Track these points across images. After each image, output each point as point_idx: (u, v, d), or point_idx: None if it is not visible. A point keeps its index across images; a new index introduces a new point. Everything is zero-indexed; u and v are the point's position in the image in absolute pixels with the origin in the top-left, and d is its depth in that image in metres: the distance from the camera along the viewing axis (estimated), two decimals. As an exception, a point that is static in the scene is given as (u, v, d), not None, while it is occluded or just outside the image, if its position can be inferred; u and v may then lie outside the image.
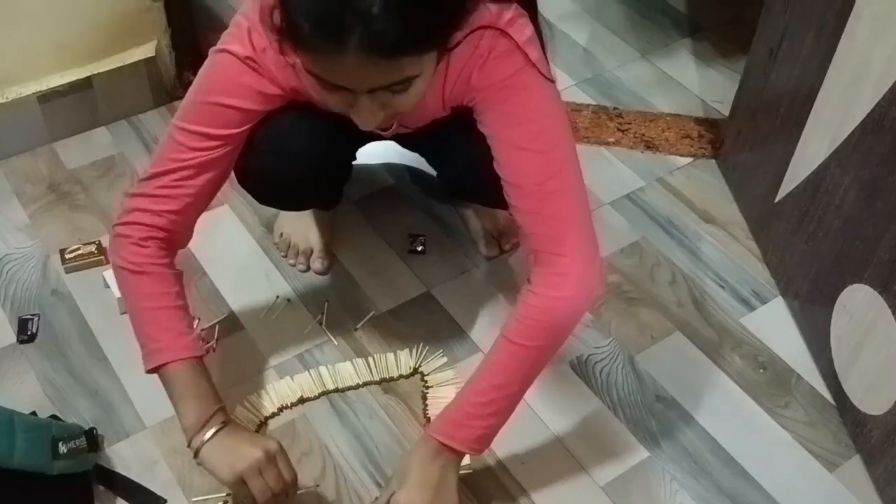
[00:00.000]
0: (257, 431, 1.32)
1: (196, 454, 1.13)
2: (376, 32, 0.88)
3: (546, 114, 1.14)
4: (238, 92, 1.14)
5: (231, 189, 1.34)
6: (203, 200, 1.20)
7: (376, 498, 1.22)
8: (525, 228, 1.15)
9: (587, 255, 1.13)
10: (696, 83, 1.99)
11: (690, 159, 1.80)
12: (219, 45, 1.15)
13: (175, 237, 1.19)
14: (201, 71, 1.17)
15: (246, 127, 1.17)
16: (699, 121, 1.88)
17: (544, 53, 1.16)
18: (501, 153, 1.15)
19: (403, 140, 1.49)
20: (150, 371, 1.17)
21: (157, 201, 1.16)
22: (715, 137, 1.83)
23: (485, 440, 1.17)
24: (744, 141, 1.68)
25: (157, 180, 1.16)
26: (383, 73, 0.94)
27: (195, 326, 1.19)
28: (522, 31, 1.11)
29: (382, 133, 1.28)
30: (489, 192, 1.18)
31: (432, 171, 1.68)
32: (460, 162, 1.32)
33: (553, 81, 1.15)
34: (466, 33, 1.05)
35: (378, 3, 0.87)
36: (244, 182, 1.22)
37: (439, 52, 1.00)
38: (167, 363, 1.15)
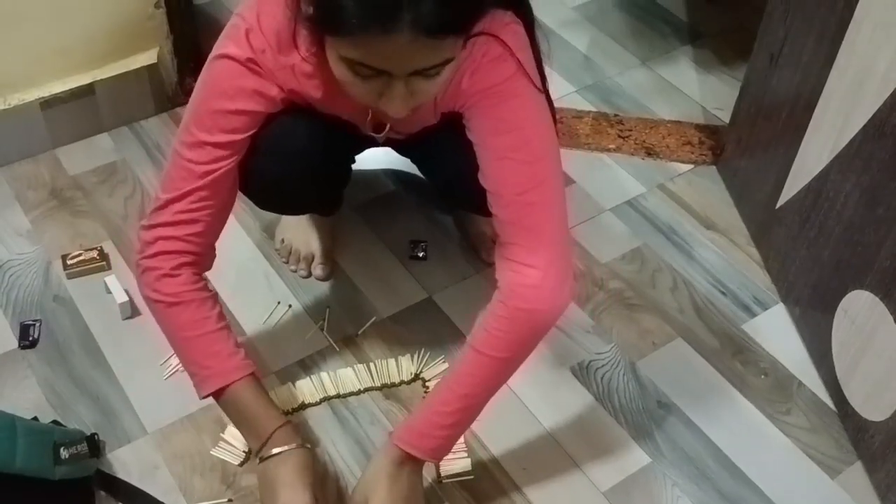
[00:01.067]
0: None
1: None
2: (427, 12, 0.91)
3: (534, 123, 1.14)
4: (240, 95, 1.13)
5: (233, 195, 1.34)
6: (224, 214, 1.20)
7: None
8: (501, 237, 1.14)
9: (560, 270, 1.12)
10: (696, 90, 1.99)
11: (691, 166, 1.80)
12: (216, 52, 1.13)
13: (202, 258, 1.19)
14: (200, 80, 1.16)
15: (252, 132, 1.16)
16: (700, 127, 1.88)
17: (540, 65, 1.16)
18: (486, 161, 1.14)
19: (396, 146, 1.48)
20: (203, 397, 1.19)
21: (180, 227, 1.15)
22: (716, 144, 1.83)
23: (446, 449, 1.18)
24: (744, 147, 1.69)
25: (173, 206, 1.14)
26: (428, 54, 0.97)
27: (241, 346, 1.19)
28: (516, 37, 1.12)
29: (376, 137, 1.27)
30: (478, 200, 1.17)
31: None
32: (450, 170, 1.31)
33: (543, 92, 1.15)
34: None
35: None
36: (244, 186, 1.23)
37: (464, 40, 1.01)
38: (222, 389, 1.16)
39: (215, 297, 1.20)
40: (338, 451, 1.31)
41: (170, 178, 1.16)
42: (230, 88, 1.13)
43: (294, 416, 1.35)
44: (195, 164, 1.13)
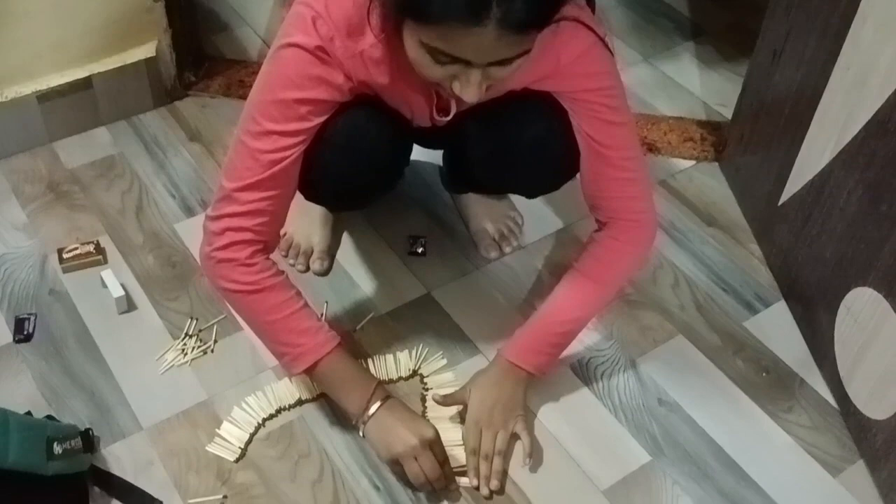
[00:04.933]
0: (255, 433, 1.30)
1: (363, 434, 1.23)
2: (518, 9, 0.93)
3: (622, 87, 1.24)
4: (309, 84, 1.13)
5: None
6: (288, 202, 1.22)
7: (449, 394, 1.31)
8: (607, 192, 1.28)
9: (655, 212, 1.31)
10: (698, 86, 1.98)
11: (693, 162, 1.79)
12: (281, 41, 1.12)
13: (271, 244, 1.22)
14: (266, 70, 1.15)
15: (321, 119, 1.16)
16: (702, 124, 1.87)
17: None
18: (599, 128, 1.23)
19: (433, 136, 1.43)
20: (296, 374, 1.25)
21: (247, 217, 1.16)
22: (718, 140, 1.82)
23: (550, 365, 1.33)
24: (747, 144, 1.67)
25: (241, 195, 1.15)
26: (511, 48, 0.99)
27: (321, 318, 1.27)
28: (594, 22, 1.18)
29: (441, 120, 1.27)
30: (550, 165, 1.30)
31: (434, 176, 1.68)
32: (498, 138, 1.30)
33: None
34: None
35: None
36: (305, 177, 1.21)
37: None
38: (316, 363, 1.20)
39: (288, 277, 1.23)
40: (334, 447, 1.30)
41: (234, 167, 1.16)
42: (298, 77, 1.13)
43: (291, 412, 1.34)
44: (262, 154, 1.14)
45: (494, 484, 1.24)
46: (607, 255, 1.31)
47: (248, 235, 1.17)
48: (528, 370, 1.30)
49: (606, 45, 1.19)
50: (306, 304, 1.23)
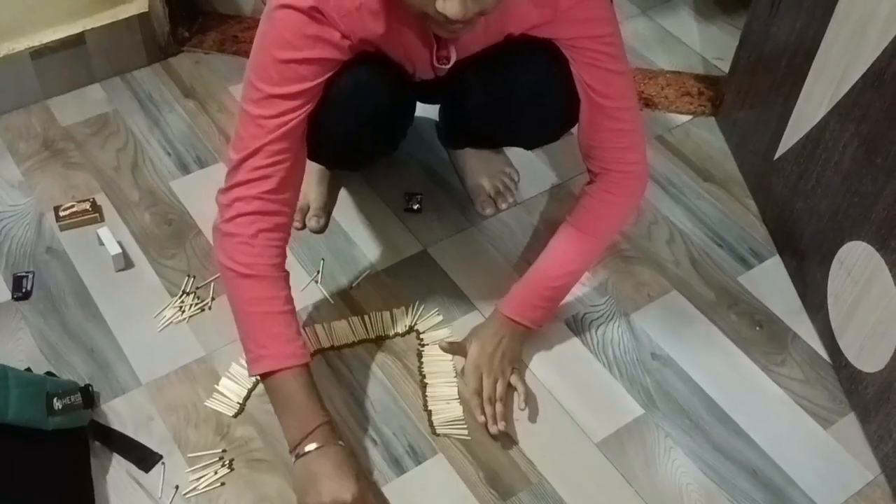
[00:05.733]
0: (253, 389, 1.32)
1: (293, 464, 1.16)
2: None
3: (620, 36, 1.23)
4: (306, 44, 1.12)
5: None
6: (298, 168, 1.19)
7: (452, 341, 1.35)
8: (604, 142, 1.28)
9: (646, 163, 1.33)
10: (696, 40, 1.96)
11: (690, 117, 1.78)
12: (275, 2, 1.11)
13: (282, 219, 1.18)
14: (260, 33, 1.14)
15: (322, 79, 1.15)
16: (699, 78, 1.86)
17: None
18: (597, 76, 1.23)
19: (434, 88, 1.40)
20: (252, 376, 1.20)
21: (254, 185, 1.14)
22: (715, 94, 1.81)
23: (546, 319, 1.36)
24: (744, 98, 1.66)
25: (246, 164, 1.14)
26: None
27: (301, 334, 1.19)
28: None
29: (441, 68, 1.25)
30: (550, 112, 1.30)
31: (430, 132, 1.67)
32: (500, 86, 1.29)
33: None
34: None
35: None
36: (309, 136, 1.19)
37: None
38: (272, 372, 1.15)
39: (287, 278, 1.20)
40: (332, 403, 1.31)
41: (239, 137, 1.15)
42: (294, 38, 1.11)
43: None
44: (265, 119, 1.12)
45: (502, 425, 1.25)
46: (599, 208, 1.33)
47: (256, 205, 1.15)
48: (525, 324, 1.33)
49: None
50: (292, 312, 1.19)
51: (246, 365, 1.21)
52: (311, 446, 1.13)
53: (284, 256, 1.20)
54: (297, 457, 1.14)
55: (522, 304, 1.33)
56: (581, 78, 1.24)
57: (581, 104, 1.27)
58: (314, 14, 1.11)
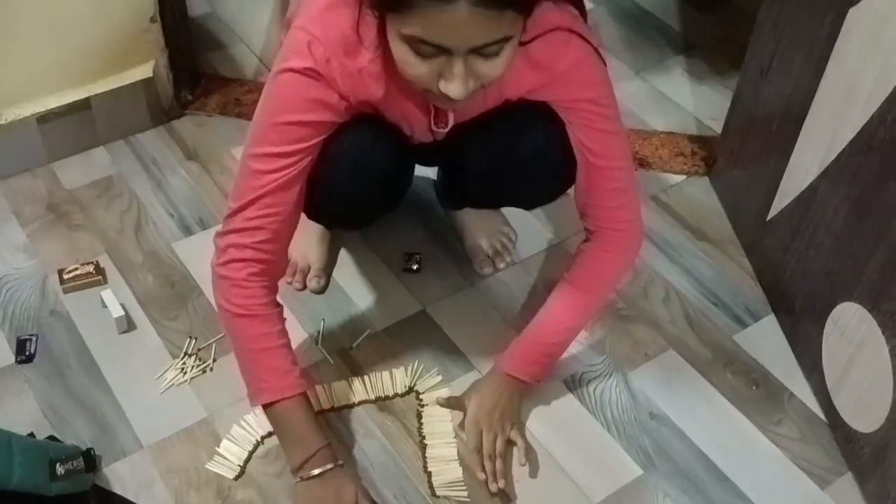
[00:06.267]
0: (254, 451, 1.32)
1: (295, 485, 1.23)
2: None
3: (614, 97, 1.26)
4: (306, 107, 1.16)
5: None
6: (291, 221, 1.23)
7: (451, 397, 1.37)
8: (599, 201, 1.31)
9: (641, 221, 1.36)
10: (689, 100, 2.00)
11: (684, 177, 1.81)
12: (279, 66, 1.16)
13: (272, 266, 1.23)
14: (265, 93, 1.19)
15: (319, 139, 1.19)
16: (693, 138, 1.89)
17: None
18: (593, 137, 1.26)
19: (433, 151, 1.43)
20: (253, 405, 1.27)
21: (248, 234, 1.19)
22: (708, 155, 1.84)
23: (546, 374, 1.38)
24: (736, 158, 1.70)
25: (242, 213, 1.19)
26: (487, 27, 1.00)
27: (297, 364, 1.26)
28: (588, 32, 1.20)
29: (439, 132, 1.30)
30: (549, 174, 1.33)
31: (429, 192, 1.69)
32: (524, 144, 1.31)
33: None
34: (543, 31, 1.14)
35: None
36: (310, 197, 1.24)
37: (523, 22, 1.05)
38: (272, 402, 1.22)
39: (281, 312, 1.26)
40: (332, 464, 1.32)
41: (238, 187, 1.20)
42: (295, 100, 1.16)
43: (289, 430, 1.36)
44: (262, 174, 1.17)
45: (502, 482, 1.26)
46: (594, 266, 1.35)
47: (247, 254, 1.20)
48: (524, 380, 1.35)
49: (600, 55, 1.22)
50: (287, 345, 1.25)
51: (249, 399, 1.26)
52: (315, 471, 1.20)
53: (276, 291, 1.26)
54: (300, 478, 1.21)
55: (521, 359, 1.35)
56: (577, 139, 1.27)
57: (577, 164, 1.30)
58: (314, 76, 1.14)
